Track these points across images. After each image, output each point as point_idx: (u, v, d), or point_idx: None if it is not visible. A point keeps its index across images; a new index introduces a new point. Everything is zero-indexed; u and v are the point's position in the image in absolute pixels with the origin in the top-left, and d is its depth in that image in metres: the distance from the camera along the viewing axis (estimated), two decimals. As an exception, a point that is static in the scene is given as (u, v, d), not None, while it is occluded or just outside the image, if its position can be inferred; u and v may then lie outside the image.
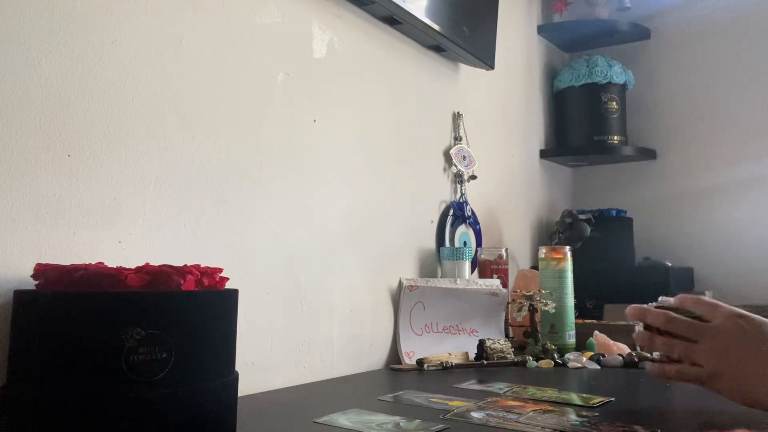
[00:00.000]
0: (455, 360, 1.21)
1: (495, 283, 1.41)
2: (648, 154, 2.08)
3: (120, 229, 0.82)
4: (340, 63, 1.21)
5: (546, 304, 1.34)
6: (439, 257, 1.45)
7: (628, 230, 1.94)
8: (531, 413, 0.81)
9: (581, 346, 1.37)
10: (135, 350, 0.59)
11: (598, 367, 1.21)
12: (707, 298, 0.81)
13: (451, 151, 1.52)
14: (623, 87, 2.04)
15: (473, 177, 1.56)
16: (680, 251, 2.01)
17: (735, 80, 2.00)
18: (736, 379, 0.74)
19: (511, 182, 1.84)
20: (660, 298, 1.30)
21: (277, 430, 0.76)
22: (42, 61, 0.76)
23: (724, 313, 0.77)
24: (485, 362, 1.21)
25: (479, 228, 1.57)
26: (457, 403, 0.87)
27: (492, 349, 1.23)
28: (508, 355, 1.24)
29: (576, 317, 1.43)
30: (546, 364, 1.23)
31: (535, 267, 1.70)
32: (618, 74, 2.00)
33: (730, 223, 1.97)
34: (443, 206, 1.49)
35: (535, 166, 2.01)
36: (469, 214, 1.54)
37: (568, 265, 1.42)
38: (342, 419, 0.77)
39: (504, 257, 1.53)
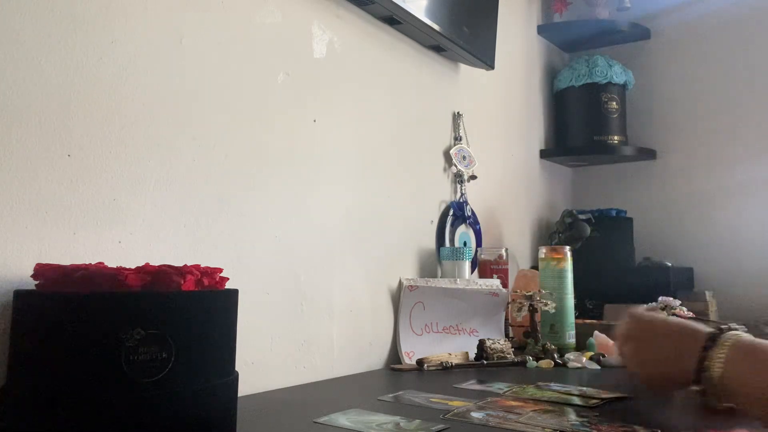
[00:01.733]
0: (455, 360, 1.21)
1: (495, 283, 1.40)
2: (648, 154, 2.08)
3: (120, 229, 0.82)
4: (340, 63, 1.21)
5: (546, 304, 1.34)
6: (439, 257, 1.44)
7: (628, 230, 1.94)
8: (531, 413, 0.81)
9: (581, 346, 1.37)
10: (135, 350, 0.59)
11: (598, 367, 1.21)
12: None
13: (451, 151, 1.52)
14: (623, 87, 2.04)
15: (473, 177, 1.56)
16: (680, 251, 2.00)
17: (735, 80, 2.00)
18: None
19: (511, 182, 1.84)
20: (660, 298, 1.30)
21: (277, 430, 0.76)
22: (42, 61, 0.75)
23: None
24: (485, 362, 1.21)
25: (479, 228, 1.57)
26: (457, 403, 0.87)
27: (492, 349, 1.23)
28: (508, 355, 1.24)
29: (576, 317, 1.44)
30: (546, 364, 1.23)
31: (535, 267, 1.70)
32: (618, 74, 2.00)
33: (730, 223, 1.96)
34: (443, 206, 1.49)
35: (535, 166, 2.01)
36: (469, 214, 1.54)
37: (568, 265, 1.42)
38: (342, 419, 0.77)
39: (504, 257, 1.53)
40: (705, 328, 0.76)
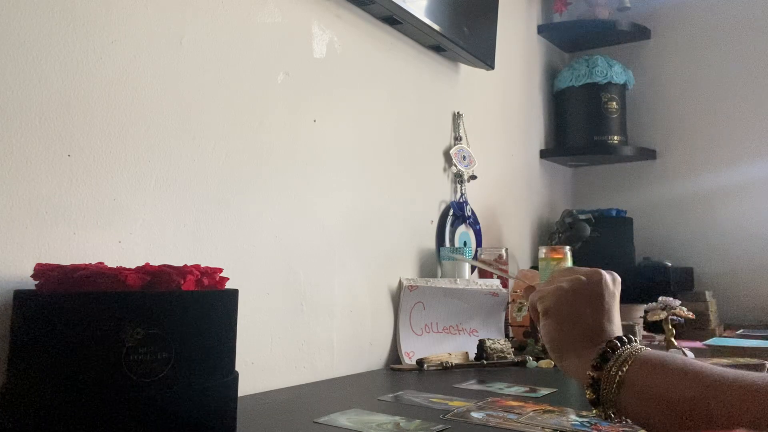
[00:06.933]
0: (455, 360, 1.21)
1: (495, 283, 1.41)
2: (648, 154, 2.08)
3: (120, 229, 0.82)
4: (340, 63, 1.21)
5: (546, 304, 1.33)
6: (439, 257, 1.44)
7: (628, 230, 1.94)
8: (531, 413, 0.81)
9: (581, 346, 1.36)
10: (135, 350, 0.59)
11: (598, 367, 1.21)
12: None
13: (451, 151, 1.52)
14: (623, 87, 2.04)
15: (473, 177, 1.56)
16: (680, 251, 2.00)
17: (735, 80, 2.00)
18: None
19: (511, 182, 1.84)
20: (660, 298, 1.30)
21: (277, 430, 0.76)
22: (42, 61, 0.75)
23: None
24: (485, 362, 1.21)
25: (479, 228, 1.57)
26: (457, 403, 0.87)
27: (492, 349, 1.23)
28: (508, 355, 1.24)
29: (576, 317, 1.43)
30: (546, 364, 1.23)
31: (535, 267, 1.70)
32: (618, 74, 2.00)
33: (730, 223, 1.96)
34: (443, 206, 1.49)
35: (535, 166, 2.01)
36: (469, 214, 1.54)
37: (568, 265, 1.42)
38: (342, 419, 0.77)
39: (504, 257, 1.53)
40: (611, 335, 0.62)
